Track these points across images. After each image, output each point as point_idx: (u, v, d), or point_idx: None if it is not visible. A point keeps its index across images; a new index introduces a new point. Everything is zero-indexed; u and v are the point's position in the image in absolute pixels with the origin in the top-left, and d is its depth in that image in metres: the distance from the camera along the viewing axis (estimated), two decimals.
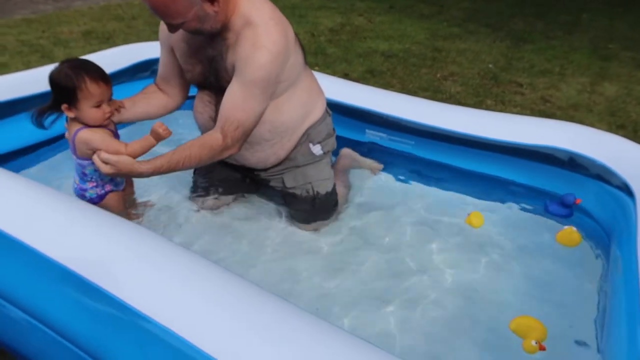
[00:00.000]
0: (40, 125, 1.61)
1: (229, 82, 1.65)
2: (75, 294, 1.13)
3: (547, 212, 2.03)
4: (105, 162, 1.56)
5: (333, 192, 2.02)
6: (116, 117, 1.74)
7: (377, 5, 7.07)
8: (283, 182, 1.96)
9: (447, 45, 5.21)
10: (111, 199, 1.78)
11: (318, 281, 1.70)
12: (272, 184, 2.00)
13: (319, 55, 4.64)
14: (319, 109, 1.93)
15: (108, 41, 4.59)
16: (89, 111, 1.57)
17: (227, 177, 2.05)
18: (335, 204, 2.04)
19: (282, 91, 1.72)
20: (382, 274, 1.74)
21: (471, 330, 1.50)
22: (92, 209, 1.42)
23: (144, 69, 2.75)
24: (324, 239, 1.92)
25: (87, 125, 1.61)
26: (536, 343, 1.40)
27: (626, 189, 1.62)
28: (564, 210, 2.00)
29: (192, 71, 1.78)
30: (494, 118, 2.17)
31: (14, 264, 1.24)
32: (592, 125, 3.33)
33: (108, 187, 1.76)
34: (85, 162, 1.66)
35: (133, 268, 1.17)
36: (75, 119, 1.61)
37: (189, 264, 1.18)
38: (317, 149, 1.94)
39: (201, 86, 1.84)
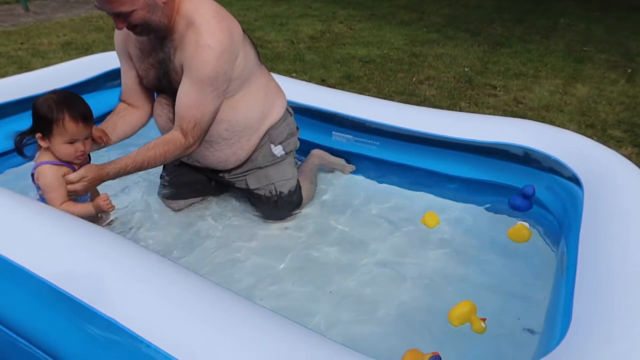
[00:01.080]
0: (20, 151, 1.60)
1: (179, 82, 1.68)
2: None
3: (511, 208, 2.07)
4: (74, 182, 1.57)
5: (296, 191, 2.05)
6: (96, 147, 1.76)
7: (358, 13, 7.16)
8: (247, 184, 2.00)
9: (425, 50, 5.28)
10: None
11: (282, 275, 1.75)
12: (236, 185, 2.04)
13: (297, 62, 4.69)
14: (279, 109, 1.97)
15: (87, 52, 4.62)
16: (60, 146, 1.57)
17: (193, 180, 2.08)
18: (299, 202, 2.08)
19: (236, 89, 1.76)
20: (341, 268, 1.78)
21: (425, 321, 1.53)
22: (63, 216, 1.40)
23: (116, 77, 2.79)
24: (287, 235, 1.97)
25: (56, 160, 1.60)
26: (484, 324, 1.47)
27: (576, 181, 1.66)
28: (526, 202, 2.04)
29: (147, 77, 1.81)
30: (453, 117, 2.21)
31: None
32: (561, 125, 3.40)
33: None
34: (39, 190, 1.65)
35: (101, 272, 1.17)
36: (47, 149, 1.60)
37: (153, 266, 1.19)
38: (278, 150, 1.97)
39: (157, 90, 1.87)
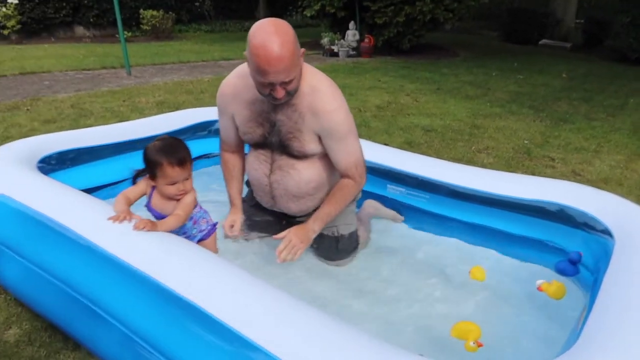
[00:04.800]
0: (134, 183, 1.89)
1: (294, 138, 1.96)
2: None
3: (557, 272, 2.13)
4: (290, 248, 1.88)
5: (355, 236, 2.28)
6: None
7: (424, 87, 7.53)
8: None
9: (486, 123, 5.47)
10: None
11: (331, 303, 1.94)
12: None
13: (363, 127, 5.03)
14: None
15: (177, 110, 5.22)
16: (164, 187, 1.78)
17: (265, 220, 2.35)
18: (357, 246, 2.30)
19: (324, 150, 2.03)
20: (382, 302, 1.96)
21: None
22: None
23: (203, 129, 3.22)
24: (341, 272, 2.18)
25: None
26: (474, 343, 1.64)
27: (608, 235, 1.77)
28: (572, 268, 2.10)
29: (253, 133, 2.05)
30: (502, 177, 2.38)
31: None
32: None
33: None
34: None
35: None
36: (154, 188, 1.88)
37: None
38: None
39: (258, 146, 2.10)
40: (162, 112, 5.17)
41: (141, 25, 13.24)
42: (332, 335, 1.23)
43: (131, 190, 1.85)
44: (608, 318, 1.30)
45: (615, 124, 5.69)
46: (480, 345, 1.65)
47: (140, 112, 5.06)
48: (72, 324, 1.67)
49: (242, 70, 2.00)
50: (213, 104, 4.92)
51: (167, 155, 1.73)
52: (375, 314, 1.89)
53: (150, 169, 1.78)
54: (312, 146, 1.98)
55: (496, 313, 1.89)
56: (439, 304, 1.95)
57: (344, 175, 2.04)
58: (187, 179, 1.81)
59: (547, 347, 1.67)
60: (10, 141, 2.69)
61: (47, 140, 2.51)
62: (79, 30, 13.44)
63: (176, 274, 1.44)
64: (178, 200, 1.83)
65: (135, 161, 2.14)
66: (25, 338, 1.80)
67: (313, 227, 1.95)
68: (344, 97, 1.96)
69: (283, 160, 2.05)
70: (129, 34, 13.07)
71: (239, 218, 2.21)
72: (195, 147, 2.82)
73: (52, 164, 2.39)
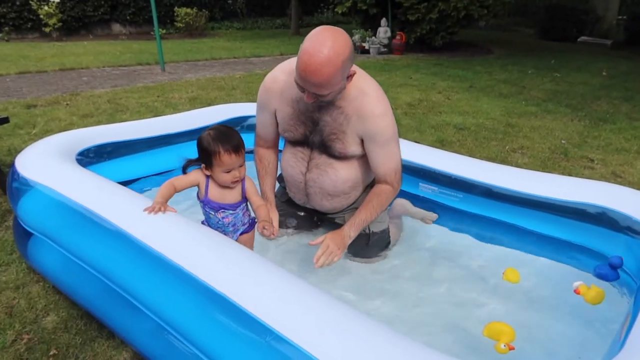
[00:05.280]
0: (184, 172, 1.90)
1: (337, 139, 1.95)
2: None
3: (597, 277, 2.05)
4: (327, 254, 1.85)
5: (386, 233, 2.26)
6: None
7: (457, 85, 7.41)
8: (344, 220, 2.23)
9: (521, 122, 5.35)
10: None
11: (358, 301, 1.93)
12: (335, 221, 2.29)
13: None
14: None
15: (209, 105, 5.29)
16: (219, 175, 1.80)
17: (302, 216, 2.37)
18: (388, 244, 2.28)
19: (363, 150, 2.01)
20: (411, 302, 1.94)
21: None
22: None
23: (236, 124, 3.25)
24: (371, 270, 2.17)
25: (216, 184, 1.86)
26: (505, 346, 1.60)
27: None
28: (613, 273, 2.03)
29: (294, 132, 2.04)
30: (538, 177, 2.32)
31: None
32: None
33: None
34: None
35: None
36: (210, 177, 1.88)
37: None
38: None
39: (297, 143, 2.09)
40: (195, 107, 5.25)
41: (175, 23, 13.46)
42: (369, 336, 1.21)
43: (180, 179, 1.87)
44: None
45: None
46: (512, 349, 1.61)
47: (174, 108, 5.15)
48: (107, 313, 1.71)
49: (288, 66, 1.98)
50: (244, 100, 4.97)
51: (222, 142, 1.75)
52: (405, 313, 1.86)
53: (206, 158, 1.80)
54: (354, 148, 1.97)
55: (529, 316, 1.84)
56: (471, 305, 1.91)
57: (381, 181, 2.02)
58: (242, 166, 1.83)
59: (584, 354, 1.62)
60: (50, 134, 2.78)
61: (85, 134, 2.57)
62: (116, 27, 13.78)
63: (213, 269, 1.45)
64: (232, 188, 1.87)
65: (169, 156, 2.18)
66: (62, 325, 1.86)
67: (349, 233, 1.93)
68: (389, 103, 1.94)
69: (321, 159, 2.04)
70: (164, 31, 13.33)
71: (275, 216, 2.17)
72: None
73: (90, 157, 2.45)
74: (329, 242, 1.86)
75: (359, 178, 2.10)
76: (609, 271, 2.03)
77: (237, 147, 1.77)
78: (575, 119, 5.61)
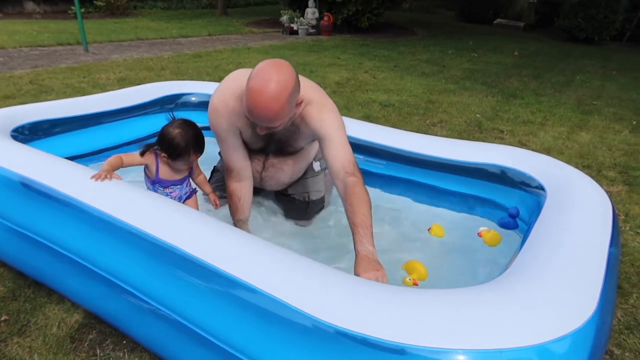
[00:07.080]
0: (142, 155, 2.00)
1: (291, 145, 2.11)
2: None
3: (500, 226, 2.38)
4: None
5: (322, 200, 2.49)
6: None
7: (382, 65, 7.74)
8: (286, 191, 2.43)
9: (441, 98, 5.74)
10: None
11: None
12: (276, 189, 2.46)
13: None
14: None
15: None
16: (180, 166, 2.03)
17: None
18: (322, 207, 2.51)
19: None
20: (345, 253, 2.14)
21: None
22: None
23: (169, 102, 3.31)
24: (308, 231, 2.39)
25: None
26: (410, 279, 1.89)
27: (542, 190, 2.03)
28: (512, 221, 2.37)
29: (255, 144, 2.13)
30: (450, 143, 2.62)
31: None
32: None
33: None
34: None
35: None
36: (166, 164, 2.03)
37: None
38: (317, 165, 2.42)
39: (254, 151, 2.18)
40: (123, 87, 5.17)
41: (95, 1, 12.85)
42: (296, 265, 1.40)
43: (128, 156, 1.98)
44: (534, 255, 1.53)
45: (561, 99, 6.07)
46: (415, 284, 1.86)
47: (102, 89, 5.05)
48: (57, 279, 1.80)
49: (238, 91, 1.92)
50: (175, 80, 4.93)
51: (195, 147, 1.97)
52: (342, 263, 2.08)
53: (171, 152, 1.96)
54: (303, 144, 2.15)
55: (441, 260, 2.12)
56: (398, 252, 2.15)
57: (342, 175, 1.90)
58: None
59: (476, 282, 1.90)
60: None
61: (18, 111, 2.55)
62: (29, 5, 12.93)
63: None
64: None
65: (106, 134, 2.25)
66: (10, 294, 1.91)
67: (370, 249, 1.73)
68: (330, 99, 2.01)
69: (277, 160, 2.21)
70: (83, 10, 12.63)
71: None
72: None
73: (25, 134, 2.44)
74: (370, 275, 1.61)
75: (310, 157, 2.32)
76: (510, 220, 2.36)
77: (203, 147, 2.00)
78: (489, 95, 6.10)
